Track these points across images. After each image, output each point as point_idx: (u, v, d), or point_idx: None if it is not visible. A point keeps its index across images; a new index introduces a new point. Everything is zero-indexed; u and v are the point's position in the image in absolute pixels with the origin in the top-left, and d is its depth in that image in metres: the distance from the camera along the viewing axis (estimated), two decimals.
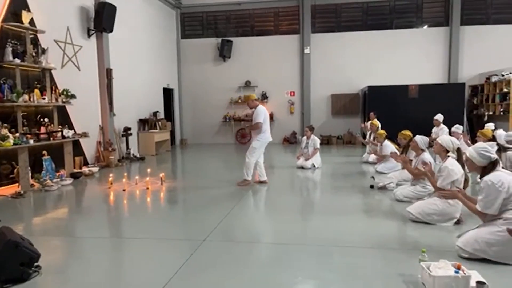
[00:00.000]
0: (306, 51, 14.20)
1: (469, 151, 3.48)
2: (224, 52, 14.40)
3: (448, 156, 4.48)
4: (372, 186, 6.36)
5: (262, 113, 6.63)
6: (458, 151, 4.48)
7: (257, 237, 4.10)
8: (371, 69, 13.89)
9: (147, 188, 6.58)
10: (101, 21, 9.14)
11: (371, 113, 10.65)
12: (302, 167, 8.46)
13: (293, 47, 14.46)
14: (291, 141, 14.49)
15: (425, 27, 13.92)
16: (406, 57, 13.71)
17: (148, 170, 7.60)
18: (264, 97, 14.65)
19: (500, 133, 8.88)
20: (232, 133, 15.16)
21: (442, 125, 9.42)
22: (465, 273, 2.72)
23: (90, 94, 9.40)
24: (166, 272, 3.19)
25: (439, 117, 9.54)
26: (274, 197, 6.11)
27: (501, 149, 5.59)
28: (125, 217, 5.25)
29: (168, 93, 14.25)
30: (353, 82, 14.12)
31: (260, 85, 14.71)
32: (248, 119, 14.62)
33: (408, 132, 7.01)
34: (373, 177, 6.82)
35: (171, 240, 4.08)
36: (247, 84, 14.75)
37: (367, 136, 10.07)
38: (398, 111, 12.15)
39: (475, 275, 2.78)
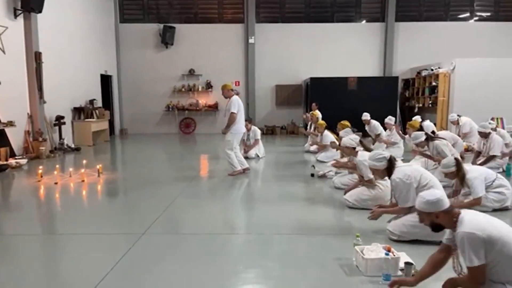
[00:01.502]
0: (251, 40, 14.20)
1: (369, 163, 3.80)
2: (166, 39, 13.92)
3: (357, 151, 5.01)
4: (312, 175, 6.56)
5: (236, 103, 6.50)
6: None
7: (198, 228, 4.05)
8: (314, 61, 14.25)
9: (83, 181, 6.21)
10: (29, 0, 8.37)
11: (313, 104, 10.95)
12: (246, 157, 8.48)
13: (238, 36, 14.38)
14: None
15: (363, 22, 14.54)
16: (346, 50, 14.24)
17: (84, 161, 7.19)
18: (208, 86, 14.45)
19: (428, 124, 9.58)
20: (175, 123, 14.80)
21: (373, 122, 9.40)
22: (394, 255, 2.91)
23: (17, 80, 8.61)
24: (101, 268, 3.04)
25: (390, 119, 9.20)
26: (217, 187, 6.07)
27: (428, 139, 6.02)
28: (57, 212, 4.92)
29: (106, 80, 13.50)
30: (297, 73, 14.40)
31: (205, 74, 14.48)
32: (192, 108, 14.46)
33: (346, 123, 7.35)
34: (313, 166, 7.03)
35: (108, 235, 3.90)
36: (191, 73, 14.44)
37: (308, 127, 10.35)
38: (338, 102, 12.62)
39: (403, 256, 3.00)
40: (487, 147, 6.53)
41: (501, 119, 11.61)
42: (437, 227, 2.38)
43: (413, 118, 9.75)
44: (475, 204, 4.25)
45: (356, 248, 3.04)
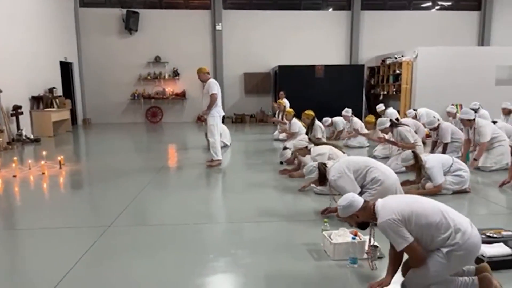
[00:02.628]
0: (218, 27, 13.98)
1: (307, 178, 4.03)
2: (130, 25, 13.45)
3: (309, 149, 5.22)
4: (282, 162, 6.60)
5: (215, 85, 6.32)
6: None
7: (166, 219, 3.98)
8: (282, 49, 14.24)
9: (43, 173, 5.94)
10: None
11: (281, 93, 10.99)
12: None
13: (205, 22, 14.11)
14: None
15: (330, 10, 14.66)
16: (314, 38, 14.32)
17: (44, 153, 6.87)
18: (175, 74, 14.15)
19: (391, 111, 9.89)
20: (141, 112, 14.43)
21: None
22: (360, 239, 2.98)
23: None
24: (65, 263, 2.93)
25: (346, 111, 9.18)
26: (185, 176, 5.99)
27: (392, 125, 6.19)
28: (17, 206, 4.69)
29: (66, 68, 12.90)
30: (265, 61, 14.36)
31: (171, 61, 14.15)
32: (158, 97, 14.11)
33: (311, 112, 7.45)
34: (285, 147, 7.06)
35: (72, 229, 3.76)
36: (157, 60, 14.06)
37: (277, 115, 10.40)
38: (306, 90, 12.72)
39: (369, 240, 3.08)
40: (473, 137, 6.07)
41: (461, 105, 12.13)
42: (362, 225, 2.52)
43: (377, 107, 10.04)
44: (436, 191, 4.49)
45: (324, 233, 3.09)
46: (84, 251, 3.14)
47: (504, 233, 2.99)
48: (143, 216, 4.19)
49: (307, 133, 7.18)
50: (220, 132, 6.70)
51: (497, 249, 2.74)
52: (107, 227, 3.70)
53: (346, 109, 9.02)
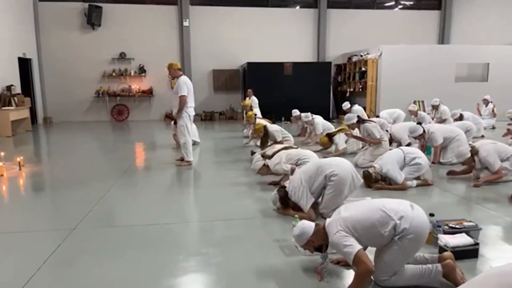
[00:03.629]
0: (185, 23, 13.76)
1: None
2: (92, 20, 12.98)
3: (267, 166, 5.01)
4: (253, 153, 6.57)
5: (185, 84, 6.05)
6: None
7: (134, 220, 3.87)
8: (250, 46, 14.23)
9: (1, 175, 5.62)
10: None
11: (249, 90, 10.96)
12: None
13: (171, 18, 13.85)
14: (173, 117, 14.05)
15: (297, 7, 14.78)
16: (282, 35, 14.41)
17: (2, 153, 6.50)
18: (142, 71, 13.81)
19: (357, 108, 10.12)
20: (106, 110, 13.99)
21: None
22: None
23: None
24: (27, 269, 2.79)
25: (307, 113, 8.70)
26: (154, 176, 5.86)
27: (359, 121, 6.33)
28: None
29: (25, 64, 12.28)
30: (234, 58, 14.29)
31: (137, 58, 13.80)
32: (124, 94, 13.71)
33: (260, 125, 7.04)
34: (252, 151, 7.07)
35: (34, 233, 3.57)
36: (122, 56, 13.67)
37: (244, 114, 10.33)
38: (275, 88, 12.79)
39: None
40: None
41: (422, 102, 12.61)
42: (320, 248, 2.57)
43: (343, 105, 10.26)
44: (401, 188, 4.65)
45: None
46: (47, 256, 3.00)
47: (465, 223, 3.12)
48: (110, 218, 4.06)
49: (262, 144, 6.95)
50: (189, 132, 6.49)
51: (460, 239, 2.85)
52: (72, 230, 3.55)
53: (294, 110, 9.11)
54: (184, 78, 6.16)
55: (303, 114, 8.57)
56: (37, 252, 3.09)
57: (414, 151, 4.95)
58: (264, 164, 5.08)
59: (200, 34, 13.98)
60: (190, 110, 6.30)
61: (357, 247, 2.29)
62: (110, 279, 2.68)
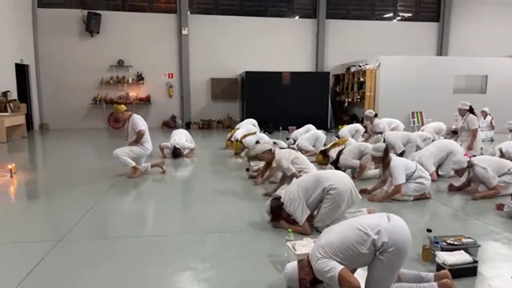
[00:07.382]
0: (184, 32, 13.75)
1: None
2: (91, 27, 12.95)
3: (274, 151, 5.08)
4: (248, 170, 6.50)
5: (140, 120, 5.98)
6: None
7: (124, 231, 3.76)
8: (249, 55, 14.22)
9: None
10: None
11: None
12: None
13: (170, 26, 13.85)
14: (170, 125, 13.98)
15: (296, 17, 14.82)
16: (280, 45, 14.40)
17: None
18: (139, 78, 13.77)
19: (389, 121, 9.74)
20: (103, 117, 13.90)
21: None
22: None
23: None
24: (9, 282, 2.67)
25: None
26: (147, 186, 5.75)
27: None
28: None
29: (22, 70, 12.22)
30: (232, 66, 14.27)
31: (135, 65, 13.75)
32: (122, 102, 13.63)
33: (237, 146, 6.98)
34: (249, 160, 6.98)
35: (19, 244, 3.46)
36: (120, 64, 13.62)
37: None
38: (273, 97, 12.73)
39: None
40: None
41: (421, 113, 12.57)
42: (313, 282, 2.46)
43: (366, 112, 9.87)
44: (397, 191, 4.58)
45: (288, 244, 3.01)
46: (29, 270, 2.88)
47: (464, 240, 3.02)
48: (99, 229, 3.95)
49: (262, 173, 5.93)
50: (136, 157, 6.05)
51: (458, 257, 2.75)
52: (57, 241, 3.43)
53: (290, 139, 8.86)
54: (137, 116, 6.04)
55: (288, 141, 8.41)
56: (18, 266, 2.98)
57: (425, 172, 4.89)
58: (269, 149, 5.00)
59: (199, 42, 13.97)
60: (148, 145, 6.11)
61: (338, 267, 2.25)
62: None
